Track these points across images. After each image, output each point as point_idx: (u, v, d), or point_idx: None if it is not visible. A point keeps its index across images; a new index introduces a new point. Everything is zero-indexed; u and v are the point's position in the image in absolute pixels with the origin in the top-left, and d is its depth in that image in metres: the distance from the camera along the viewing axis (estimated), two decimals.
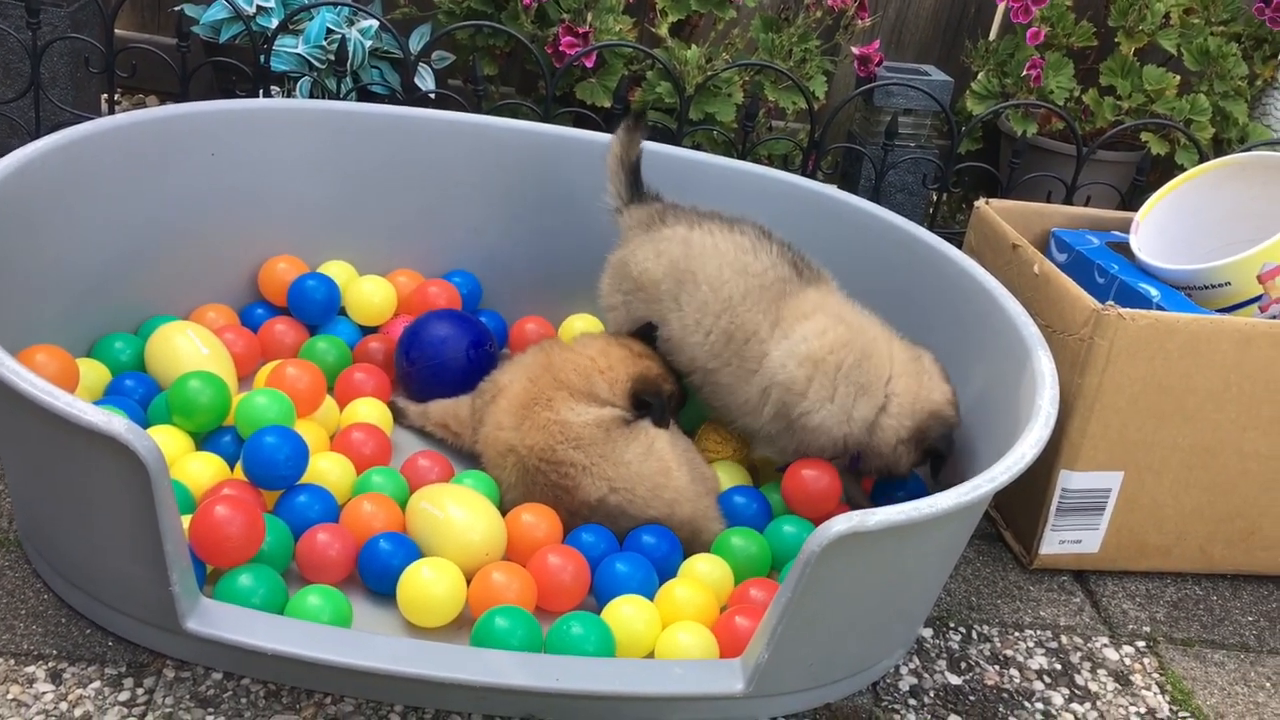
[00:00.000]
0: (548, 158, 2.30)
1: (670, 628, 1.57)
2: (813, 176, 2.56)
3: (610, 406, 1.85)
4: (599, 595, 1.67)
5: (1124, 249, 2.11)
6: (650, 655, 1.57)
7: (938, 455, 1.85)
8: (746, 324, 1.86)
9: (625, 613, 1.58)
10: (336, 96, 2.63)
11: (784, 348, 1.83)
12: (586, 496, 1.76)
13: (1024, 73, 2.97)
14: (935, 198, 2.79)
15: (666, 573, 1.72)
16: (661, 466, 1.79)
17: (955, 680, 1.70)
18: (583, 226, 2.32)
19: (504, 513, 1.76)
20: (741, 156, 2.52)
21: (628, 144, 2.04)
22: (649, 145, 2.30)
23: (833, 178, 3.09)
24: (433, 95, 2.68)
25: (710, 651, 1.54)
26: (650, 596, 1.65)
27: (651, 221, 1.99)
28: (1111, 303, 1.80)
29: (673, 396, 1.94)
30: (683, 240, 1.93)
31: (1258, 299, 1.93)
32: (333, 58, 2.61)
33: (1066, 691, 1.71)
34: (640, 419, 1.85)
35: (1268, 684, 1.79)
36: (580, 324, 2.32)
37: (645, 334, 1.96)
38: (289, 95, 2.72)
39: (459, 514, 1.67)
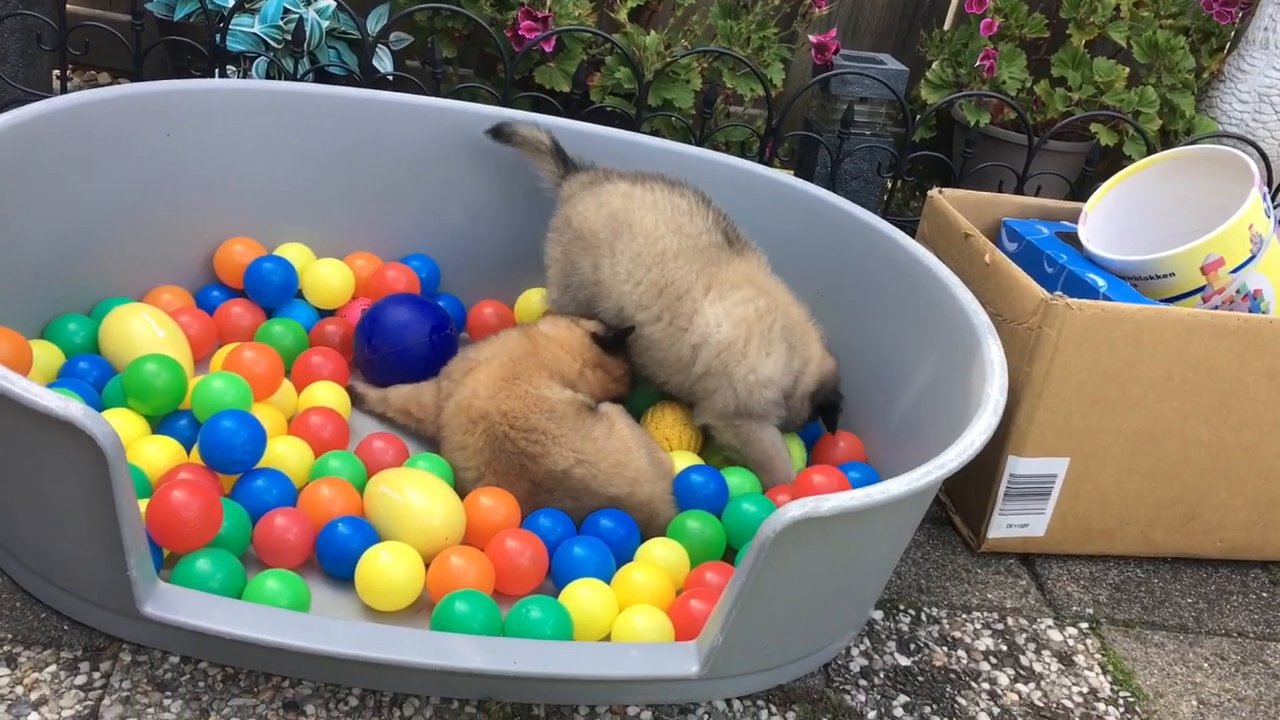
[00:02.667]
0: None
1: (626, 611, 1.59)
2: (769, 164, 2.58)
3: (574, 390, 1.89)
4: (557, 579, 1.69)
5: (1073, 239, 2.15)
6: (607, 638, 1.59)
7: (834, 408, 2.04)
8: (678, 281, 1.94)
9: (582, 596, 1.60)
10: (293, 77, 2.62)
11: (719, 309, 1.92)
12: (553, 466, 1.77)
13: (977, 63, 3.01)
14: (890, 185, 2.83)
15: (623, 556, 1.74)
16: (623, 446, 1.83)
17: (905, 661, 1.74)
18: (542, 211, 2.33)
19: (460, 494, 1.78)
20: (699, 143, 2.54)
21: (521, 144, 2.17)
22: (606, 131, 2.32)
23: (789, 165, 3.12)
24: (391, 77, 2.67)
25: (666, 634, 1.56)
26: (607, 580, 1.67)
27: (595, 180, 2.08)
28: (1059, 293, 1.84)
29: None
30: (624, 194, 2.01)
31: (1201, 290, 1.98)
32: (289, 38, 2.59)
33: (1012, 672, 1.75)
34: (600, 403, 1.91)
35: (1205, 664, 1.85)
36: (537, 297, 2.33)
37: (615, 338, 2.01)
38: (245, 75, 2.70)
39: (418, 498, 1.68)
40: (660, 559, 1.71)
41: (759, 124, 2.77)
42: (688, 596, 1.61)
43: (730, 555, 1.81)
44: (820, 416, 2.07)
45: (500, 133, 2.19)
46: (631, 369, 2.02)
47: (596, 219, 2.00)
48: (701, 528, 1.78)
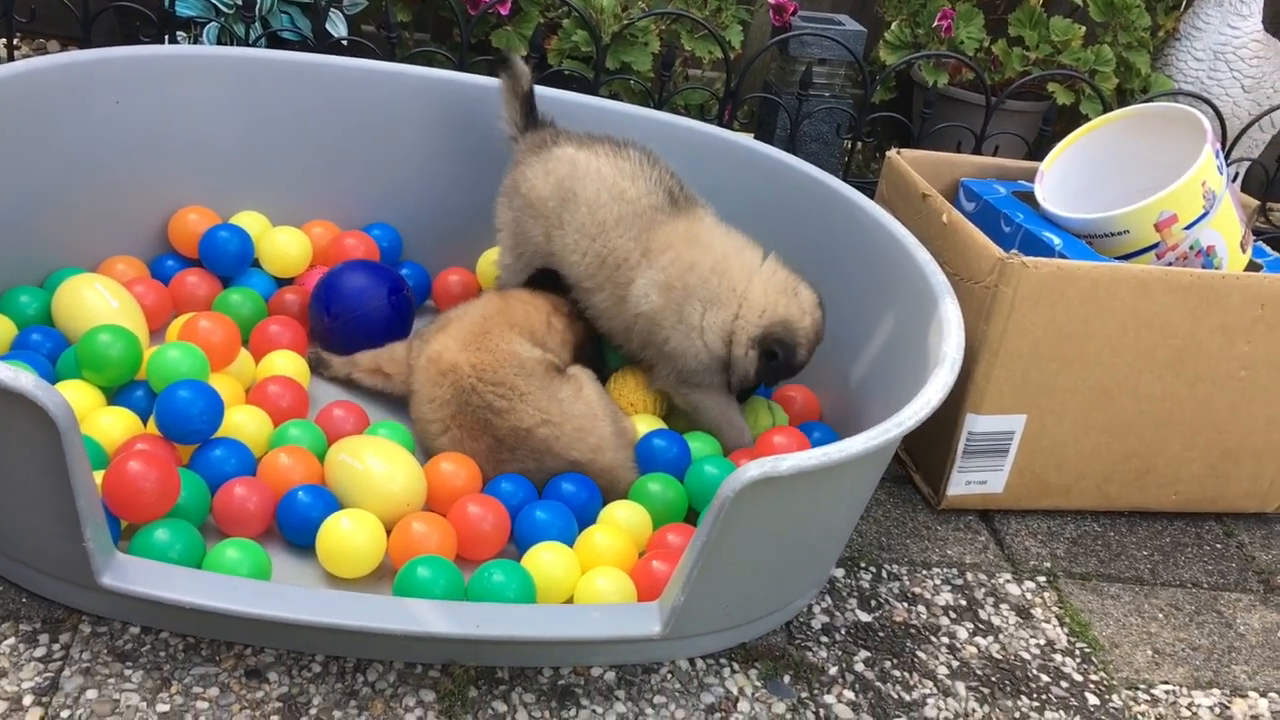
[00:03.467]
0: (465, 107, 2.28)
1: (589, 573, 1.60)
2: (729, 126, 2.58)
3: (548, 353, 1.91)
4: (519, 543, 1.69)
5: (1029, 198, 2.16)
6: (570, 600, 1.60)
7: (772, 356, 1.90)
8: (618, 250, 1.93)
9: (545, 559, 1.61)
10: (245, 43, 2.58)
11: (648, 278, 1.91)
12: (518, 423, 1.78)
13: (935, 23, 3.01)
14: (849, 147, 2.83)
15: (585, 520, 1.75)
16: (589, 411, 1.83)
17: (865, 618, 1.76)
18: (499, 175, 2.32)
19: (426, 455, 1.78)
20: (658, 106, 2.53)
21: (512, 78, 2.10)
22: (564, 95, 2.31)
23: (749, 127, 3.12)
24: (345, 42, 2.64)
25: (628, 596, 1.57)
26: (570, 543, 1.67)
27: (543, 144, 2.05)
28: (1016, 251, 1.85)
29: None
30: (570, 160, 1.99)
31: (1155, 246, 2.00)
32: (240, 3, 2.55)
33: (971, 626, 1.78)
34: (570, 365, 1.94)
35: (1160, 615, 1.88)
36: (497, 256, 2.32)
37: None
38: (195, 41, 2.66)
39: (378, 465, 1.68)
40: (622, 521, 1.72)
41: (718, 86, 2.76)
42: (650, 558, 1.62)
43: (693, 518, 1.82)
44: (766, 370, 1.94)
45: (504, 61, 2.14)
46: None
47: (544, 187, 2.00)
48: (663, 490, 1.79)
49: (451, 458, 1.77)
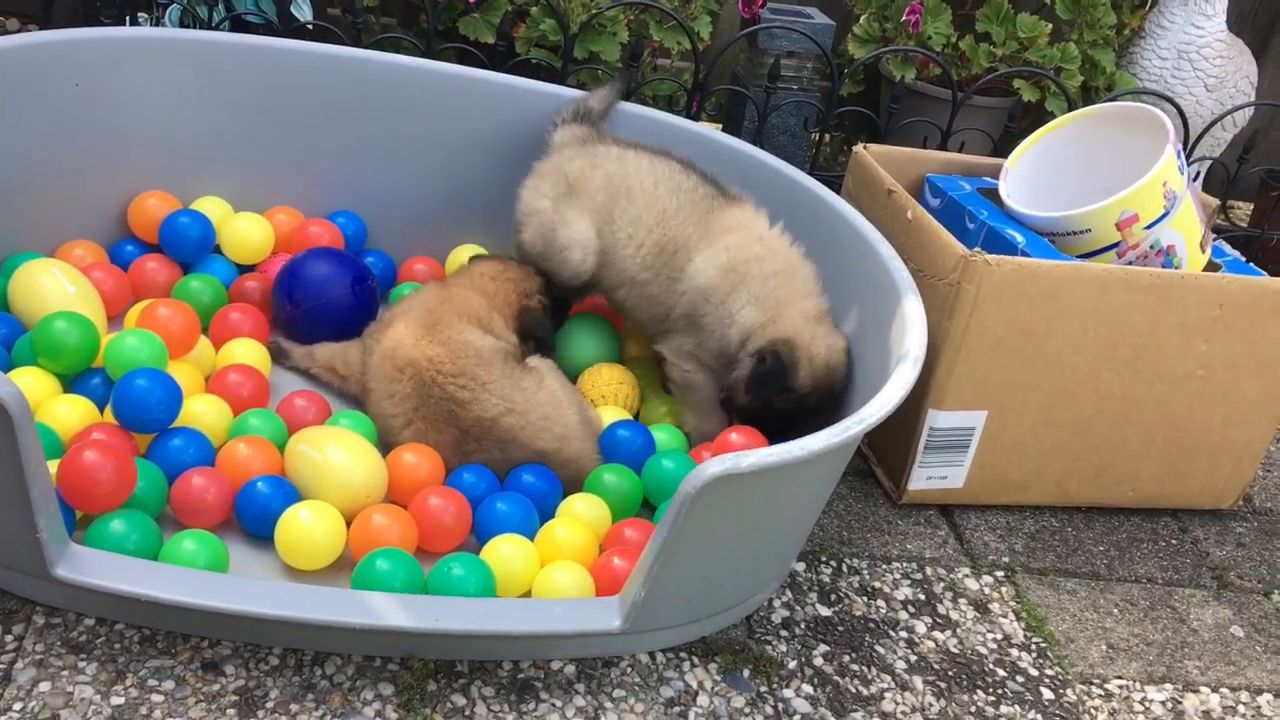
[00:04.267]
0: (431, 95, 2.26)
1: (547, 567, 1.60)
2: (696, 118, 2.57)
3: (501, 340, 1.89)
4: (480, 535, 1.69)
5: (994, 195, 2.17)
6: (528, 594, 1.60)
7: (761, 361, 1.86)
8: (677, 236, 1.95)
9: (504, 552, 1.60)
10: (209, 26, 2.55)
11: (706, 255, 1.92)
12: (482, 413, 1.77)
13: (904, 18, 3.02)
14: (817, 140, 2.83)
15: (546, 512, 1.74)
16: (553, 400, 1.83)
17: (825, 612, 1.76)
18: (468, 164, 2.32)
19: (388, 448, 1.77)
20: (626, 97, 2.52)
21: (597, 101, 2.19)
22: (531, 84, 2.29)
23: (717, 119, 3.11)
24: (310, 26, 2.61)
25: (586, 590, 1.57)
26: (531, 535, 1.67)
27: (587, 139, 2.08)
28: (979, 249, 1.86)
29: (542, 304, 2.03)
30: (618, 158, 2.01)
31: (1115, 245, 2.01)
32: None
33: (929, 620, 1.79)
34: (529, 354, 1.93)
35: (1115, 610, 1.90)
36: (467, 254, 2.32)
37: None
38: (158, 23, 2.62)
39: (339, 456, 1.67)
40: (582, 514, 1.72)
41: (686, 78, 2.75)
42: (610, 554, 1.62)
43: (649, 512, 1.82)
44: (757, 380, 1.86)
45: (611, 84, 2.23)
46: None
47: (594, 176, 2.00)
48: (618, 481, 1.79)
49: (414, 449, 1.76)
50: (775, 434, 1.76)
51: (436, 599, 1.48)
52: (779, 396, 1.86)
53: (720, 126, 2.87)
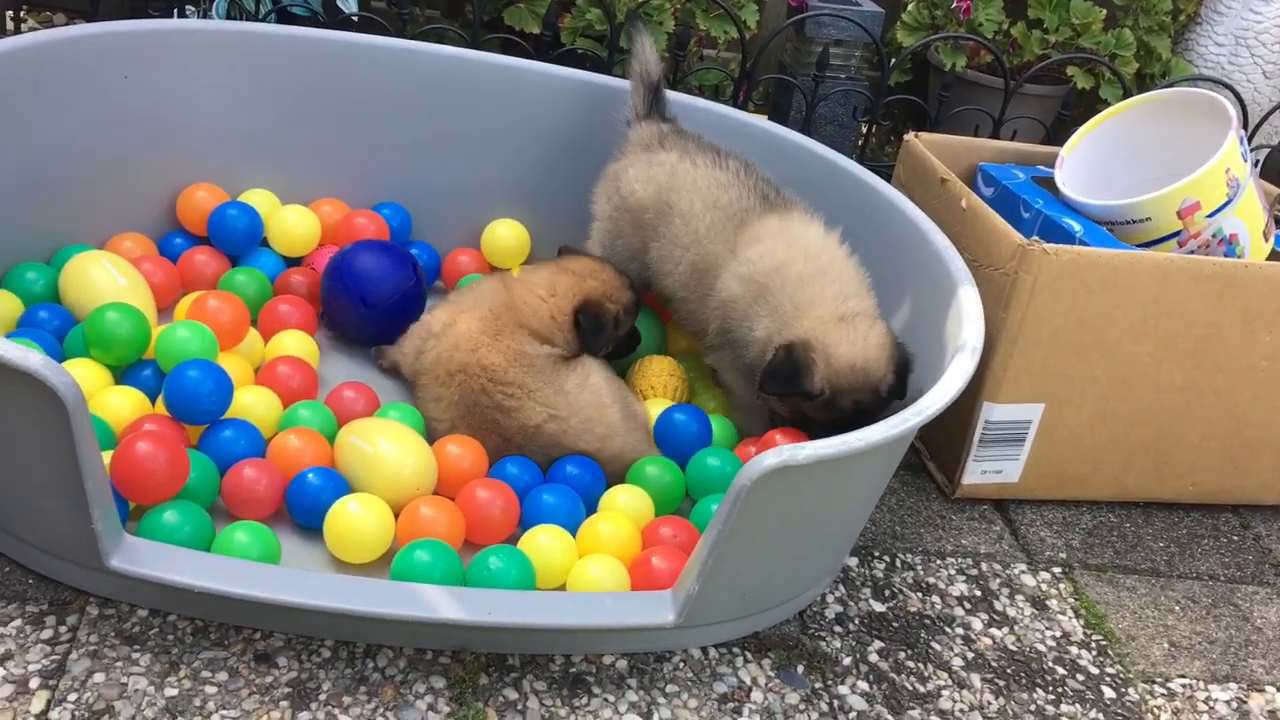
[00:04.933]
0: (476, 86, 2.25)
1: (582, 560, 1.58)
2: (743, 108, 2.55)
3: (551, 345, 1.86)
4: (526, 527, 1.67)
5: (1049, 184, 2.13)
6: (563, 586, 1.58)
7: (765, 373, 1.77)
8: (710, 254, 1.89)
9: (542, 543, 1.59)
10: (255, 18, 2.55)
11: (730, 270, 1.86)
12: (526, 420, 1.76)
13: (954, 5, 2.97)
14: (865, 130, 2.80)
15: (590, 502, 1.73)
16: (596, 400, 1.80)
17: (879, 607, 1.74)
18: (513, 155, 2.30)
19: (430, 443, 1.75)
20: (672, 86, 2.49)
21: (646, 56, 2.08)
22: (582, 75, 2.28)
23: (764, 109, 3.08)
24: (355, 18, 2.61)
25: (621, 584, 1.55)
26: (575, 527, 1.65)
27: (651, 143, 2.04)
28: (1036, 238, 1.82)
29: (620, 314, 1.95)
30: (670, 170, 1.97)
31: (1177, 234, 1.97)
32: None
33: (985, 617, 1.76)
34: (579, 355, 1.88)
35: (1176, 607, 1.86)
36: (504, 229, 2.31)
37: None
38: (204, 15, 2.63)
39: (389, 448, 1.66)
40: (624, 506, 1.70)
41: (732, 67, 2.73)
42: (649, 553, 1.59)
43: (687, 509, 1.80)
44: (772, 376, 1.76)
45: (634, 30, 2.12)
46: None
47: (645, 194, 1.98)
48: (660, 474, 1.77)
49: (459, 440, 1.75)
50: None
51: (488, 592, 1.47)
52: (799, 399, 1.76)
53: (767, 116, 2.84)
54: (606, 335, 1.92)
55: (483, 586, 1.50)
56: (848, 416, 1.76)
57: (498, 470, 1.73)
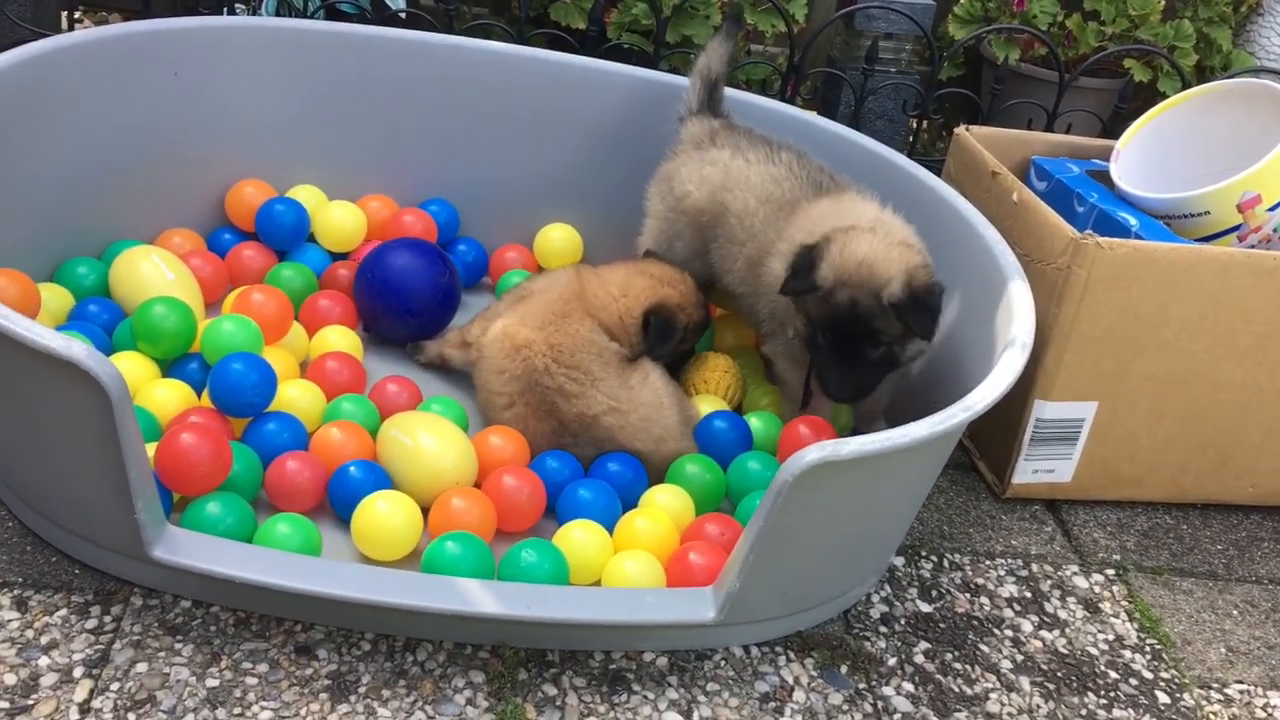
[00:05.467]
0: (522, 81, 2.25)
1: (617, 555, 1.57)
2: (791, 102, 2.52)
3: (616, 343, 1.85)
4: (562, 521, 1.66)
5: (1104, 177, 2.08)
6: (598, 582, 1.57)
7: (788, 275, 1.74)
8: (763, 246, 1.87)
9: (577, 538, 1.58)
10: (303, 14, 2.57)
11: (776, 255, 1.83)
12: (585, 409, 1.75)
13: None
14: (915, 125, 2.76)
15: (630, 500, 1.72)
16: (656, 400, 1.79)
17: (926, 608, 1.70)
18: (560, 151, 2.30)
19: (489, 422, 1.78)
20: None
21: (714, 53, 2.08)
22: (628, 70, 2.26)
23: (812, 103, 3.05)
24: (403, 15, 2.61)
25: (657, 581, 1.54)
26: (612, 523, 1.64)
27: (703, 140, 2.02)
28: (1090, 231, 1.78)
29: (689, 328, 1.94)
30: (724, 169, 1.95)
31: (1237, 228, 1.91)
32: None
33: (1036, 619, 1.72)
34: (641, 355, 1.87)
35: (1235, 611, 1.81)
36: (556, 233, 2.30)
37: None
38: (254, 13, 2.65)
39: (430, 442, 1.65)
40: (664, 505, 1.69)
41: (780, 61, 2.70)
42: (686, 549, 1.58)
43: (727, 512, 1.77)
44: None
45: (734, 19, 2.12)
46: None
47: (700, 196, 1.97)
48: (701, 473, 1.75)
49: (500, 431, 1.75)
50: (857, 368, 1.71)
51: (528, 586, 1.46)
52: (809, 301, 1.71)
53: (816, 111, 2.81)
54: (672, 344, 1.91)
55: (516, 579, 1.49)
56: (844, 319, 1.68)
57: (537, 464, 1.73)
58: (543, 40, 2.61)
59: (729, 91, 2.25)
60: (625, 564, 1.55)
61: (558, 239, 2.31)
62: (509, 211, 2.35)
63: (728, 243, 1.93)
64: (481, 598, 1.39)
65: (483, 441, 1.72)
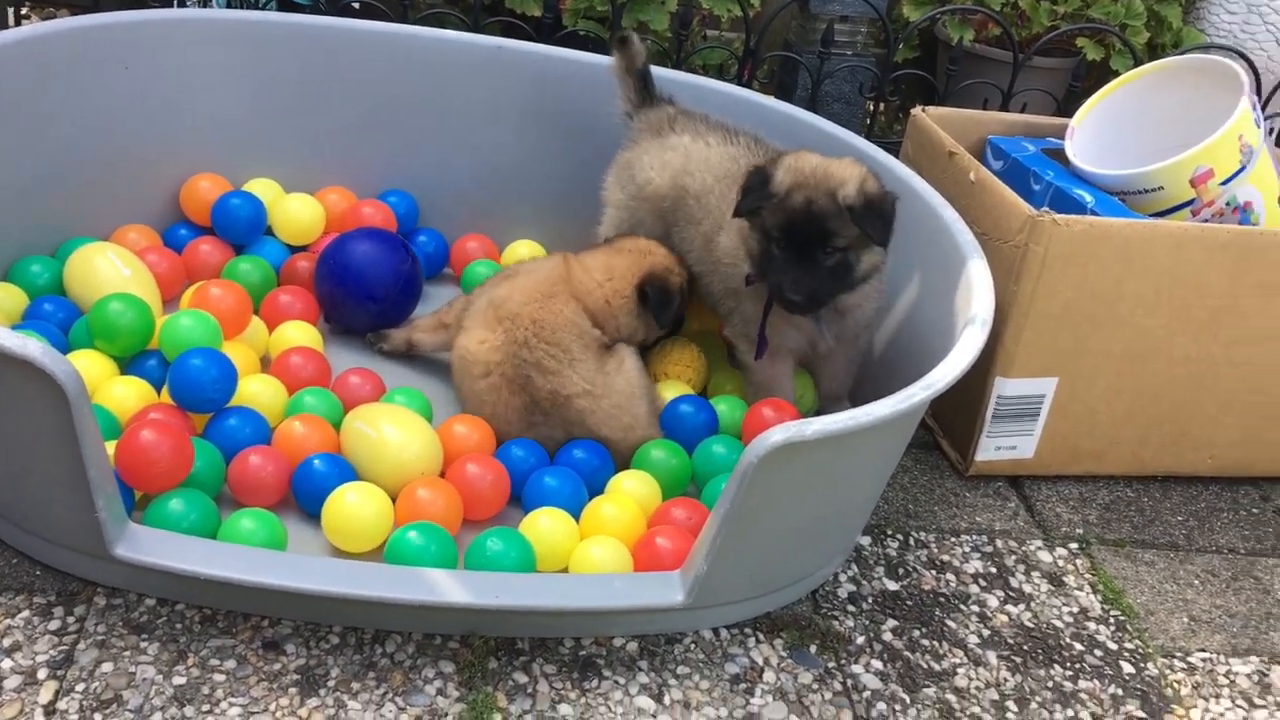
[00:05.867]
0: (478, 70, 2.24)
1: (584, 542, 1.57)
2: (748, 86, 2.52)
3: (599, 330, 1.86)
4: (529, 509, 1.65)
5: (1059, 155, 2.10)
6: (565, 569, 1.57)
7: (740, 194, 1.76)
8: (718, 221, 1.88)
9: (543, 525, 1.58)
10: (255, 7, 2.54)
11: (730, 223, 1.83)
12: (560, 387, 1.75)
13: None
14: (872, 107, 2.77)
15: (595, 487, 1.72)
16: (629, 389, 1.80)
17: (893, 586, 1.72)
18: (517, 139, 2.29)
19: (463, 394, 1.79)
20: (676, 66, 2.47)
21: (623, 57, 2.07)
22: (581, 56, 2.26)
23: (769, 88, 3.06)
24: (356, 4, 2.59)
25: (624, 566, 1.54)
26: (579, 510, 1.64)
27: (662, 127, 2.03)
28: (1046, 209, 1.80)
29: (684, 290, 1.95)
30: (684, 153, 1.96)
31: (1190, 203, 1.94)
32: None
33: (1001, 594, 1.74)
34: (615, 344, 1.87)
35: (1196, 581, 1.84)
36: (524, 249, 2.30)
37: None
38: (205, 4, 2.62)
39: (393, 433, 1.65)
40: (631, 491, 1.69)
41: (737, 45, 2.70)
42: (653, 533, 1.58)
43: (697, 494, 1.78)
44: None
45: (622, 40, 2.09)
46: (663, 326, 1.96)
47: (661, 181, 1.97)
48: (666, 458, 1.75)
49: (465, 420, 1.74)
50: (812, 272, 1.70)
51: (496, 575, 1.46)
52: (764, 213, 1.71)
53: (773, 95, 2.81)
54: (674, 307, 1.92)
55: (483, 568, 1.49)
56: (800, 222, 1.69)
57: (502, 453, 1.72)
58: (498, 28, 2.60)
59: (687, 77, 2.26)
60: (592, 550, 1.55)
61: (526, 256, 2.29)
62: (468, 201, 2.34)
63: (686, 224, 1.94)
64: (450, 587, 1.39)
65: (448, 430, 1.71)
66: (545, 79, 2.24)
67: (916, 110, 2.20)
